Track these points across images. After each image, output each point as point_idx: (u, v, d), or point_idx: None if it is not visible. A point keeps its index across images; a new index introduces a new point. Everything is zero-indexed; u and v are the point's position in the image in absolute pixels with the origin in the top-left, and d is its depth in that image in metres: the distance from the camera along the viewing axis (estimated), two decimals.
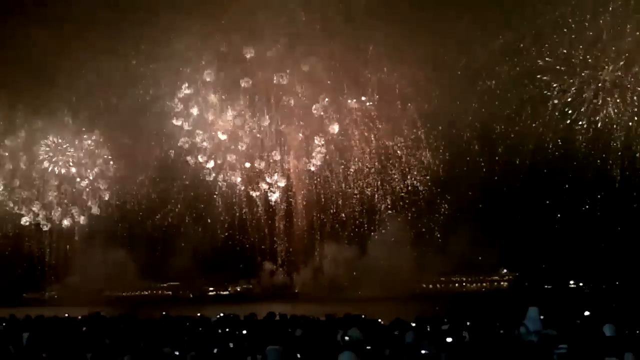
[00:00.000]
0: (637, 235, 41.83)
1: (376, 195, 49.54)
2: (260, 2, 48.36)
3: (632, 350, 8.17)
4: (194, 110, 50.80)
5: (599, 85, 44.98)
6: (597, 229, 43.67)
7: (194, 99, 50.93)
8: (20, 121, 52.23)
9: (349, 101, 49.66)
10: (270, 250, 50.94)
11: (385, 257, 46.26)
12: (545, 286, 47.49)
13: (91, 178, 52.23)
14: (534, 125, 45.77)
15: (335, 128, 49.63)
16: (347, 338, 10.87)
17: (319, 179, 50.32)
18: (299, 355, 9.39)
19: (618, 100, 44.82)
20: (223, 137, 50.88)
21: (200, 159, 50.62)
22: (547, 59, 45.35)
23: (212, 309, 25.70)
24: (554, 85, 45.68)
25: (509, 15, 44.86)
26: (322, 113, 49.67)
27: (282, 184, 50.56)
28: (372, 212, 49.49)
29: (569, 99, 45.60)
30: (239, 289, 52.73)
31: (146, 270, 49.37)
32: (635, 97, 44.47)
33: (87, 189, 52.33)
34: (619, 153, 44.89)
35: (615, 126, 44.88)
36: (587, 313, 15.28)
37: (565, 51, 44.89)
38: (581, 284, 47.78)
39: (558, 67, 45.33)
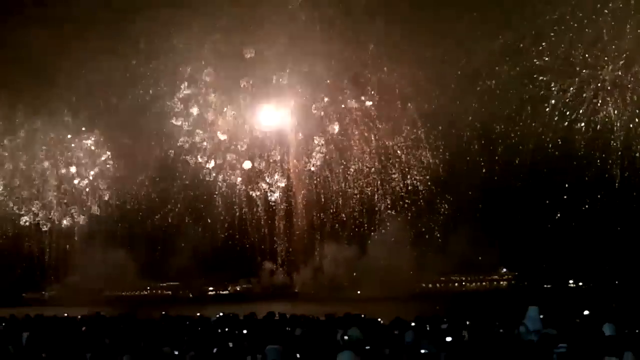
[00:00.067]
0: (636, 235, 41.84)
1: (376, 195, 49.58)
2: (260, 2, 48.39)
3: (631, 350, 8.17)
4: (194, 110, 50.82)
5: (599, 85, 45.00)
6: (596, 228, 43.67)
7: (194, 99, 50.94)
8: (20, 121, 52.22)
9: (349, 101, 49.68)
10: (270, 250, 51.00)
11: (385, 257, 46.25)
12: (545, 285, 47.50)
13: (91, 178, 52.23)
14: (533, 125, 45.80)
15: (335, 128, 49.65)
16: (346, 337, 10.87)
17: (319, 179, 50.35)
18: (298, 355, 9.38)
19: (618, 100, 44.83)
20: (223, 137, 50.89)
21: (200, 159, 50.64)
22: (546, 58, 45.37)
23: (211, 308, 25.69)
24: (554, 85, 45.70)
25: (509, 15, 44.86)
26: (322, 113, 49.69)
27: (282, 184, 50.58)
28: (372, 211, 49.53)
29: (569, 99, 45.62)
30: (238, 289, 52.72)
31: (146, 270, 49.35)
32: (635, 97, 44.47)
33: (87, 189, 52.33)
34: (619, 153, 44.92)
35: (615, 126, 44.92)
36: (586, 312, 15.26)
37: (565, 51, 44.91)
38: (580, 284, 47.77)
39: (558, 66, 45.35)
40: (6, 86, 48.70)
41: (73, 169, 52.43)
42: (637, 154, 44.83)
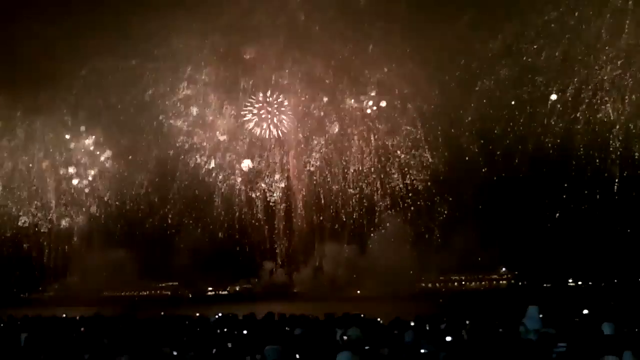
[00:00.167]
0: (635, 234, 41.90)
1: (375, 195, 49.60)
2: (260, 2, 48.39)
3: (631, 349, 8.17)
4: (194, 110, 50.81)
5: (598, 85, 45.04)
6: (595, 228, 43.72)
7: (194, 99, 50.95)
8: (19, 121, 52.19)
9: (349, 101, 49.70)
10: (270, 249, 51.00)
11: (385, 257, 46.28)
12: (544, 284, 47.54)
13: (90, 178, 52.20)
14: (533, 124, 45.85)
15: (335, 128, 49.66)
16: (345, 337, 10.86)
17: (318, 179, 50.34)
18: (297, 355, 9.37)
19: (616, 100, 44.87)
20: (222, 137, 50.87)
21: (200, 159, 50.64)
22: (545, 59, 45.41)
23: (211, 308, 25.67)
24: (553, 85, 45.73)
25: (508, 16, 44.94)
26: (321, 113, 49.70)
27: (281, 184, 50.59)
28: (372, 211, 49.56)
29: (568, 99, 45.66)
30: (238, 289, 52.71)
31: (145, 270, 49.34)
32: (633, 97, 44.52)
33: (86, 189, 52.28)
34: (618, 152, 44.96)
35: (614, 126, 44.94)
36: (586, 311, 15.27)
37: (564, 51, 44.95)
38: (580, 283, 47.81)
39: (557, 67, 45.38)
40: (5, 86, 48.69)
41: (72, 169, 52.40)
42: (636, 154, 44.88)
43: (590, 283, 46.70)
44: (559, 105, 45.68)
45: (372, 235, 49.00)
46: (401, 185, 49.22)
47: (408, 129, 49.02)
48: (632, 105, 44.60)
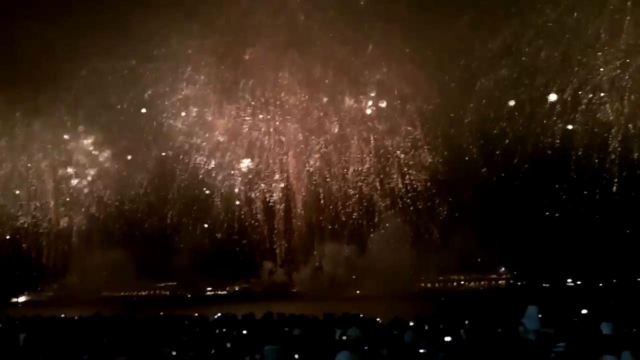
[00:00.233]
0: (634, 234, 41.93)
1: (375, 195, 49.59)
2: (260, 2, 48.36)
3: (629, 349, 8.18)
4: (193, 110, 50.77)
5: (597, 85, 45.06)
6: (595, 228, 43.76)
7: (193, 99, 50.91)
8: (18, 121, 52.13)
9: (348, 101, 49.69)
10: (269, 249, 50.99)
11: (384, 256, 46.29)
12: (543, 284, 47.56)
13: (89, 178, 52.16)
14: (532, 125, 45.88)
15: (334, 128, 49.67)
16: (345, 337, 10.86)
17: (318, 179, 50.34)
18: (297, 355, 9.37)
19: (616, 101, 44.90)
20: (222, 137, 50.87)
21: (199, 159, 50.61)
22: (545, 59, 45.44)
23: (210, 308, 25.66)
24: (553, 85, 45.75)
25: (507, 16, 44.96)
26: (321, 113, 49.70)
27: (281, 184, 50.57)
28: (371, 211, 49.55)
29: (567, 99, 45.68)
30: (237, 289, 52.69)
31: (144, 270, 49.31)
32: (632, 97, 44.55)
33: (85, 189, 52.24)
34: (617, 152, 44.99)
35: (613, 126, 44.98)
36: (584, 311, 15.28)
37: (563, 51, 44.97)
38: (579, 282, 47.85)
39: (556, 67, 45.41)
40: (4, 86, 48.64)
41: (71, 169, 52.37)
42: (636, 154, 44.92)
43: (589, 283, 46.71)
44: (558, 106, 45.75)
45: (371, 235, 49.04)
46: (401, 185, 49.26)
47: (407, 129, 49.07)
48: (632, 106, 44.65)
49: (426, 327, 12.30)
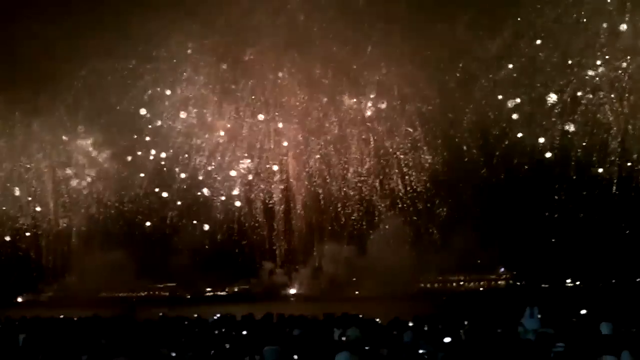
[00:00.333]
0: (634, 234, 41.95)
1: (375, 195, 49.59)
2: (260, 2, 48.37)
3: (629, 349, 8.18)
4: (193, 111, 50.77)
5: (596, 85, 45.08)
6: (594, 228, 43.79)
7: (193, 100, 50.91)
8: (17, 122, 52.08)
9: (348, 101, 49.70)
10: (269, 250, 50.96)
11: (384, 257, 46.28)
12: (543, 285, 47.57)
13: (89, 179, 52.14)
14: (531, 125, 45.89)
15: (334, 129, 49.66)
16: (344, 338, 10.86)
17: (317, 180, 50.34)
18: (296, 356, 9.36)
19: (615, 101, 44.91)
20: (222, 137, 50.85)
21: (199, 159, 50.59)
22: (545, 59, 45.44)
23: (209, 309, 25.66)
24: (552, 85, 45.76)
25: (506, 16, 44.98)
26: (321, 114, 49.69)
27: (281, 185, 50.57)
28: (371, 212, 49.54)
29: (567, 99, 45.69)
30: (236, 289, 52.66)
31: (144, 270, 49.27)
32: (632, 97, 44.58)
33: (85, 190, 52.22)
34: (617, 153, 45.01)
35: (613, 126, 44.99)
36: (584, 311, 15.28)
37: (562, 51, 44.99)
38: (578, 283, 47.86)
39: (555, 67, 45.42)
40: (5, 86, 48.62)
41: (70, 170, 52.34)
42: (635, 155, 44.94)
43: (588, 283, 46.71)
44: (557, 106, 45.75)
45: (371, 235, 49.02)
46: (400, 186, 49.26)
47: (407, 130, 49.07)
48: (631, 106, 44.67)
49: (425, 328, 12.30)
